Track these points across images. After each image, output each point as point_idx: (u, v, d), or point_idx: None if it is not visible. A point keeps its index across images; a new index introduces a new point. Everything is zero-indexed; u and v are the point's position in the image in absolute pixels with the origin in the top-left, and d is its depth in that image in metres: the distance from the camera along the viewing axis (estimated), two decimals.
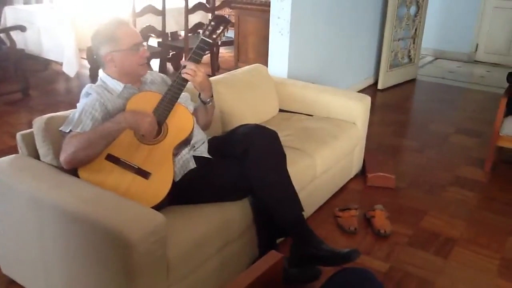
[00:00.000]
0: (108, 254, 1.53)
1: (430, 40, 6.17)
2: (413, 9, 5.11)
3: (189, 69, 1.90)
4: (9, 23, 4.71)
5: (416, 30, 5.26)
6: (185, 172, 1.90)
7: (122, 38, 1.91)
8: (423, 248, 2.35)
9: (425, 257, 2.29)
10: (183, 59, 5.38)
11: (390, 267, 2.20)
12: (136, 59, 1.94)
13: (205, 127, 2.14)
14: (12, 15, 4.79)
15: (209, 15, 5.19)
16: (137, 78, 2.01)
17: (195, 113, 2.08)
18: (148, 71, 2.16)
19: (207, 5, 5.00)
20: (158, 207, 1.70)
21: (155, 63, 5.21)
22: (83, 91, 1.96)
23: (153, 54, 4.67)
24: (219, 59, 5.59)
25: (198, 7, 4.76)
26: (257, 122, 2.35)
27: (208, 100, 2.05)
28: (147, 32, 4.60)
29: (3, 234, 1.96)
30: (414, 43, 5.33)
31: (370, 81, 5.20)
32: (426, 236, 2.45)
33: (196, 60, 1.94)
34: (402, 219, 2.59)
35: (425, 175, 3.15)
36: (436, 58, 6.61)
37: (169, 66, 5.49)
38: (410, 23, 5.15)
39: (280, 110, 3.06)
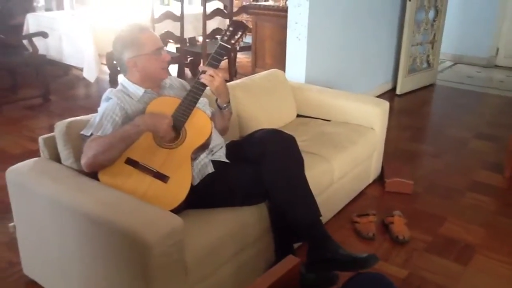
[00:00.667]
0: (126, 257, 1.55)
1: (449, 45, 6.11)
2: (431, 14, 5.07)
3: (208, 74, 1.92)
4: (32, 30, 4.82)
5: (435, 35, 5.21)
6: (203, 176, 1.92)
7: (145, 43, 1.94)
8: (442, 255, 2.32)
9: (443, 264, 2.26)
10: (201, 64, 5.43)
11: (408, 274, 2.18)
12: (159, 63, 1.98)
13: (222, 133, 2.16)
14: (34, 22, 4.90)
15: (227, 21, 5.23)
16: (159, 82, 2.04)
17: (212, 118, 2.10)
18: (168, 76, 2.19)
19: (225, 11, 5.04)
20: (176, 211, 1.71)
21: (173, 69, 5.26)
22: (104, 96, 2.00)
23: (172, 59, 4.71)
24: (237, 64, 5.62)
25: (216, 13, 4.80)
26: (275, 127, 2.36)
27: (225, 105, 2.06)
28: (165, 38, 4.65)
29: (25, 236, 2.00)
30: (432, 48, 5.28)
31: (388, 86, 5.17)
32: (444, 243, 2.42)
33: (214, 65, 1.97)
34: (420, 225, 2.57)
35: (443, 180, 3.12)
36: (455, 63, 6.54)
37: (187, 71, 5.54)
38: (429, 27, 5.10)
39: (298, 115, 3.06)
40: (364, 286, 1.40)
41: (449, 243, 2.42)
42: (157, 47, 1.96)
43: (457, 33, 6.36)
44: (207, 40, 4.83)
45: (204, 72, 1.94)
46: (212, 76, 1.93)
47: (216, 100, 2.07)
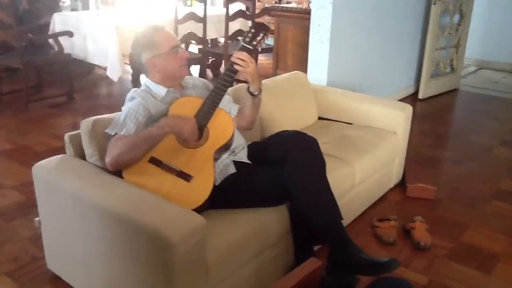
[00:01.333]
0: (148, 254, 1.57)
1: (473, 49, 6.02)
2: (456, 18, 5.00)
3: (240, 59, 1.93)
4: (58, 29, 4.90)
5: (459, 39, 5.14)
6: (225, 176, 1.93)
7: (161, 42, 1.97)
8: (464, 263, 2.29)
9: (466, 272, 2.23)
10: (222, 65, 5.46)
11: (429, 281, 2.15)
12: (177, 61, 2.00)
13: (251, 124, 2.16)
14: (60, 21, 4.98)
15: (249, 23, 5.24)
16: (179, 80, 2.06)
17: (241, 112, 2.11)
18: (190, 76, 2.20)
19: (247, 13, 5.06)
20: (198, 210, 1.72)
21: (195, 69, 5.30)
22: (128, 95, 2.02)
23: (193, 60, 4.76)
24: (258, 66, 5.62)
25: (238, 14, 4.82)
26: (296, 129, 2.35)
27: (257, 92, 2.06)
28: (188, 39, 4.69)
29: (50, 231, 2.03)
30: (457, 52, 5.21)
31: (410, 90, 5.11)
32: (467, 250, 2.39)
33: (231, 76, 1.96)
34: (442, 231, 2.53)
35: (466, 187, 3.07)
36: (480, 68, 6.43)
37: (209, 72, 5.57)
38: (453, 32, 5.04)
39: (319, 118, 3.05)
40: None
41: (472, 251, 2.39)
42: (172, 45, 1.98)
43: (482, 38, 6.26)
44: (228, 41, 4.85)
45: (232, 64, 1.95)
46: (245, 61, 1.93)
47: (248, 88, 2.07)
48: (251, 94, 2.07)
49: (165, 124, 1.83)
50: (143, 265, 1.60)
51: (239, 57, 1.94)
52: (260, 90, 2.08)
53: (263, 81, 2.86)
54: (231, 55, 2.02)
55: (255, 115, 2.17)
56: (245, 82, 2.10)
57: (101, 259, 1.78)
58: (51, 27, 5.05)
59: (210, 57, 5.44)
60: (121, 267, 1.69)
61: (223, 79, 1.94)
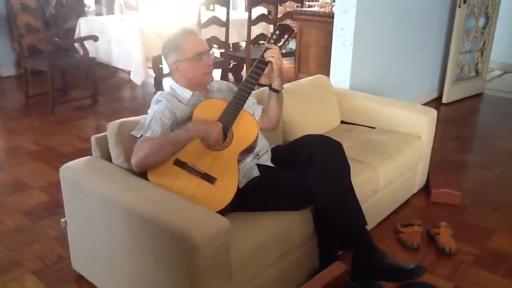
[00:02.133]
0: (173, 255, 1.58)
1: (499, 53, 5.91)
2: (482, 21, 4.92)
3: (272, 52, 1.94)
4: (83, 33, 4.99)
5: (484, 42, 5.06)
6: (249, 179, 1.93)
7: (186, 48, 1.98)
8: (491, 269, 2.24)
9: (493, 278, 2.18)
10: (244, 69, 5.48)
11: (455, 287, 2.11)
12: (200, 68, 2.00)
13: (276, 123, 2.17)
14: (86, 25, 5.07)
15: (271, 27, 5.25)
16: (202, 86, 2.07)
17: (264, 113, 2.12)
18: (215, 80, 2.22)
19: (269, 17, 5.07)
20: (222, 213, 1.72)
21: (217, 73, 5.33)
22: (154, 98, 2.04)
23: (215, 64, 4.77)
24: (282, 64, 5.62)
25: (261, 18, 4.83)
26: (319, 133, 2.35)
27: (280, 89, 2.07)
28: (210, 43, 4.71)
29: (76, 231, 2.07)
30: (482, 56, 5.13)
31: (434, 94, 5.05)
32: (493, 257, 2.34)
33: (261, 68, 1.98)
34: (467, 237, 2.49)
35: (492, 193, 3.01)
36: (505, 72, 6.32)
37: (230, 76, 5.60)
38: (479, 35, 4.96)
39: (342, 122, 3.03)
40: None
41: (498, 257, 2.34)
42: (197, 52, 1.98)
43: (508, 41, 6.15)
44: (250, 45, 4.86)
45: (262, 58, 1.96)
46: (276, 54, 1.95)
47: (270, 86, 2.07)
48: (274, 90, 2.07)
49: (192, 128, 1.84)
50: (168, 267, 1.61)
51: (273, 50, 1.95)
52: (282, 87, 2.08)
53: (286, 85, 2.86)
54: (253, 58, 2.04)
55: (280, 114, 2.17)
56: (266, 85, 2.11)
57: (126, 260, 1.80)
58: (76, 32, 5.14)
59: (232, 61, 5.47)
60: (145, 268, 1.71)
61: (250, 77, 1.95)
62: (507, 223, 2.65)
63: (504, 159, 3.56)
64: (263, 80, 2.04)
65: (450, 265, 2.27)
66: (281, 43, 2.04)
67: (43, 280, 2.13)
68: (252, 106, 2.13)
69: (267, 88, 2.13)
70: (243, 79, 1.98)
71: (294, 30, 2.14)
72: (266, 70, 2.00)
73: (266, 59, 1.96)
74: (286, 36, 2.05)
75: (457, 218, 2.68)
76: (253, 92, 2.01)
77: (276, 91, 2.07)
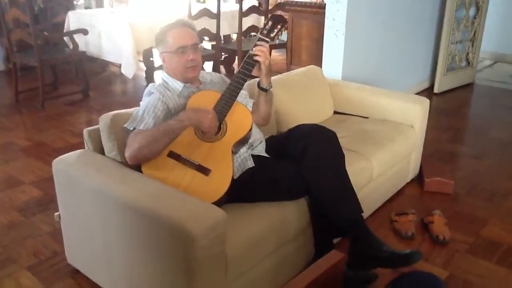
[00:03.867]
0: (169, 248, 1.57)
1: (489, 43, 5.93)
2: (472, 11, 4.93)
3: (261, 51, 1.92)
4: (72, 27, 4.94)
5: (475, 32, 5.07)
6: (243, 170, 1.92)
7: (169, 40, 1.98)
8: (485, 257, 2.26)
9: (487, 266, 2.20)
10: (236, 61, 5.46)
11: (449, 275, 2.13)
12: (182, 61, 1.98)
13: (266, 120, 2.16)
14: (75, 19, 5.02)
15: (262, 19, 5.23)
16: (186, 80, 2.03)
17: (255, 108, 2.10)
18: (208, 72, 2.21)
19: (260, 8, 5.05)
20: (217, 204, 1.71)
21: (208, 66, 5.30)
22: (146, 90, 2.03)
23: (207, 56, 4.76)
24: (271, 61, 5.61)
25: (252, 10, 4.81)
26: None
27: (268, 87, 2.06)
28: (201, 35, 4.69)
29: (70, 226, 2.05)
30: (472, 46, 5.14)
31: (426, 84, 5.07)
32: (487, 245, 2.36)
33: (251, 64, 1.96)
34: (461, 226, 2.50)
35: (485, 182, 3.03)
36: (496, 62, 6.35)
37: (222, 68, 5.57)
38: (469, 25, 4.97)
39: (335, 112, 3.03)
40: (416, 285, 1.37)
41: (492, 245, 2.36)
42: (179, 45, 1.96)
43: (498, 31, 6.17)
44: (242, 37, 4.84)
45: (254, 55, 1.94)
46: (264, 52, 1.93)
47: (258, 83, 2.07)
48: (262, 89, 2.06)
49: (184, 117, 1.83)
50: (164, 259, 1.60)
51: (261, 48, 1.93)
52: (270, 85, 2.07)
53: (279, 76, 2.86)
54: (245, 51, 2.02)
55: (269, 111, 2.16)
56: (258, 77, 2.09)
57: (121, 253, 1.79)
58: (66, 26, 5.08)
59: (223, 53, 5.44)
60: (141, 261, 1.70)
61: (241, 72, 1.94)
62: (500, 212, 2.67)
63: (496, 149, 3.58)
64: (255, 72, 2.02)
65: (445, 253, 2.29)
66: (274, 33, 2.02)
67: (38, 276, 2.12)
68: (245, 98, 2.12)
69: (257, 79, 2.11)
70: (235, 71, 1.96)
71: (286, 21, 2.12)
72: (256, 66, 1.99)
73: (254, 58, 1.94)
74: (279, 26, 2.04)
75: (450, 207, 2.70)
76: (246, 84, 2.00)
77: (264, 90, 2.06)
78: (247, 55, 1.96)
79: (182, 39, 1.98)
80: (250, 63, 1.95)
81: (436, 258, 2.24)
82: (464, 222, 2.56)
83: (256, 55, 1.93)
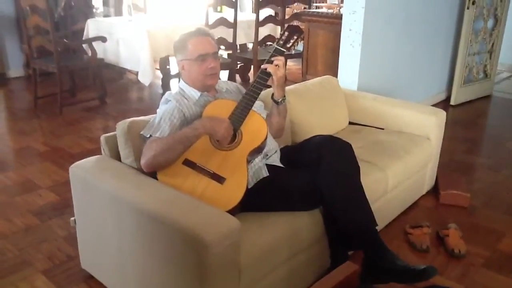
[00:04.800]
0: (183, 255, 1.58)
1: (508, 55, 5.88)
2: (490, 22, 4.89)
3: (274, 64, 1.94)
4: (91, 35, 5.01)
5: (493, 44, 5.03)
6: (258, 179, 1.93)
7: (190, 48, 1.99)
8: (501, 272, 2.22)
9: (504, 281, 2.16)
10: (251, 70, 5.48)
11: None
12: (202, 69, 2.00)
13: (278, 132, 2.16)
14: (94, 27, 5.09)
15: (278, 28, 5.25)
16: (206, 88, 2.06)
17: (268, 119, 2.11)
18: (224, 81, 2.22)
19: (277, 18, 5.07)
20: (231, 213, 1.71)
21: (224, 75, 5.33)
22: (163, 98, 2.05)
23: (223, 65, 4.78)
24: (286, 71, 5.63)
25: (268, 20, 4.82)
26: (328, 134, 2.34)
27: (281, 99, 2.07)
28: (218, 44, 4.69)
29: (85, 231, 2.07)
30: (490, 58, 5.10)
31: (442, 96, 5.03)
32: (504, 259, 2.32)
33: (264, 78, 1.97)
34: (477, 239, 2.47)
35: (502, 195, 2.99)
36: None
37: (238, 77, 5.61)
38: (487, 37, 4.93)
39: (350, 123, 3.03)
40: None
41: (509, 259, 2.32)
42: (200, 53, 1.98)
43: None
44: (258, 46, 4.86)
45: (269, 62, 1.96)
46: (278, 66, 1.94)
47: (272, 95, 2.07)
48: (275, 101, 2.07)
49: (199, 125, 1.84)
50: (178, 266, 1.61)
51: (276, 62, 1.95)
52: (284, 98, 2.07)
53: (294, 86, 2.87)
54: (261, 60, 2.04)
55: (282, 123, 2.17)
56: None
57: (135, 259, 1.80)
58: (85, 33, 5.16)
59: (239, 62, 5.47)
60: (155, 267, 1.71)
61: (256, 82, 1.95)
62: None
63: None
64: (271, 82, 2.03)
65: (460, 267, 2.25)
66: (290, 44, 2.04)
67: (53, 280, 2.14)
68: (259, 109, 2.12)
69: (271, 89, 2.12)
70: (251, 80, 1.98)
71: (303, 31, 2.14)
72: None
73: (267, 70, 1.96)
74: (295, 37, 2.05)
75: (466, 220, 2.66)
76: (261, 93, 2.01)
77: (276, 102, 2.07)
78: (259, 70, 1.98)
79: (203, 47, 2.00)
80: (265, 73, 1.96)
81: (451, 272, 2.21)
82: (480, 235, 2.52)
83: (269, 67, 1.95)
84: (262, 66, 1.98)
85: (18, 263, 2.25)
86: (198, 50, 1.99)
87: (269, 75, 1.96)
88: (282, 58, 1.98)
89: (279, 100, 2.07)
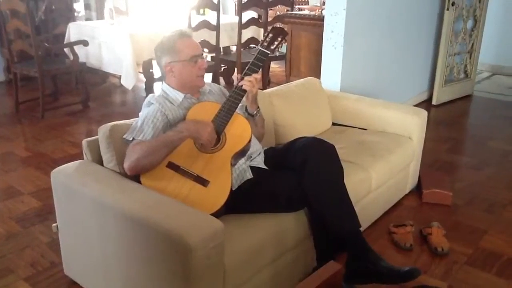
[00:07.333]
0: (167, 258, 1.57)
1: (487, 55, 5.98)
2: (470, 23, 4.97)
3: (248, 80, 1.95)
4: (73, 38, 4.96)
5: (473, 44, 5.11)
6: (242, 181, 1.93)
7: (182, 49, 1.98)
8: (484, 268, 2.26)
9: (486, 277, 2.20)
10: (235, 73, 5.48)
11: (448, 286, 2.10)
12: (195, 70, 2.00)
13: (259, 139, 2.16)
14: (76, 30, 5.05)
15: (261, 30, 5.26)
16: (195, 89, 2.07)
17: None
18: (207, 82, 2.22)
19: (260, 21, 5.08)
20: (215, 215, 1.71)
21: (208, 77, 5.33)
22: (145, 101, 2.04)
23: (207, 68, 4.77)
24: (270, 73, 5.64)
25: (251, 22, 4.84)
26: (311, 135, 2.35)
27: (255, 112, 2.08)
28: (201, 47, 4.70)
29: (68, 236, 2.05)
30: (470, 58, 5.18)
31: (424, 96, 5.09)
32: (486, 256, 2.36)
33: (254, 70, 1.99)
34: (459, 237, 2.50)
35: (484, 193, 3.03)
36: (494, 74, 6.38)
37: (221, 80, 5.60)
38: (467, 37, 5.01)
39: (333, 124, 3.04)
40: None
41: (491, 256, 2.35)
42: (193, 54, 1.99)
43: (496, 43, 6.21)
44: (241, 49, 4.86)
45: (242, 78, 1.96)
46: (253, 83, 1.95)
47: (246, 109, 2.09)
48: (249, 114, 2.09)
49: (183, 128, 1.84)
50: (162, 269, 1.60)
51: (250, 79, 1.95)
52: (258, 110, 2.09)
53: (278, 87, 2.88)
54: (244, 62, 2.05)
55: (261, 131, 2.18)
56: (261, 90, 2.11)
57: (119, 264, 1.79)
58: (66, 37, 5.11)
59: (222, 65, 5.47)
60: (139, 271, 1.70)
61: (238, 87, 1.96)
62: (499, 223, 2.67)
63: (495, 160, 3.59)
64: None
65: (444, 264, 2.28)
66: (274, 46, 2.05)
67: (36, 287, 2.11)
68: (240, 108, 2.12)
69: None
70: (234, 83, 1.99)
71: (287, 33, 2.15)
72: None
73: (242, 87, 1.96)
74: (279, 39, 2.07)
75: (449, 218, 2.69)
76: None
77: (252, 115, 2.09)
78: (234, 87, 1.98)
79: (195, 48, 2.01)
80: (238, 93, 1.96)
81: (435, 270, 2.24)
82: (463, 233, 2.55)
83: (243, 84, 1.95)
84: (241, 82, 1.98)
85: (0, 270, 2.21)
86: (191, 51, 1.99)
87: (245, 91, 1.96)
88: (256, 75, 1.98)
89: (254, 113, 2.08)
